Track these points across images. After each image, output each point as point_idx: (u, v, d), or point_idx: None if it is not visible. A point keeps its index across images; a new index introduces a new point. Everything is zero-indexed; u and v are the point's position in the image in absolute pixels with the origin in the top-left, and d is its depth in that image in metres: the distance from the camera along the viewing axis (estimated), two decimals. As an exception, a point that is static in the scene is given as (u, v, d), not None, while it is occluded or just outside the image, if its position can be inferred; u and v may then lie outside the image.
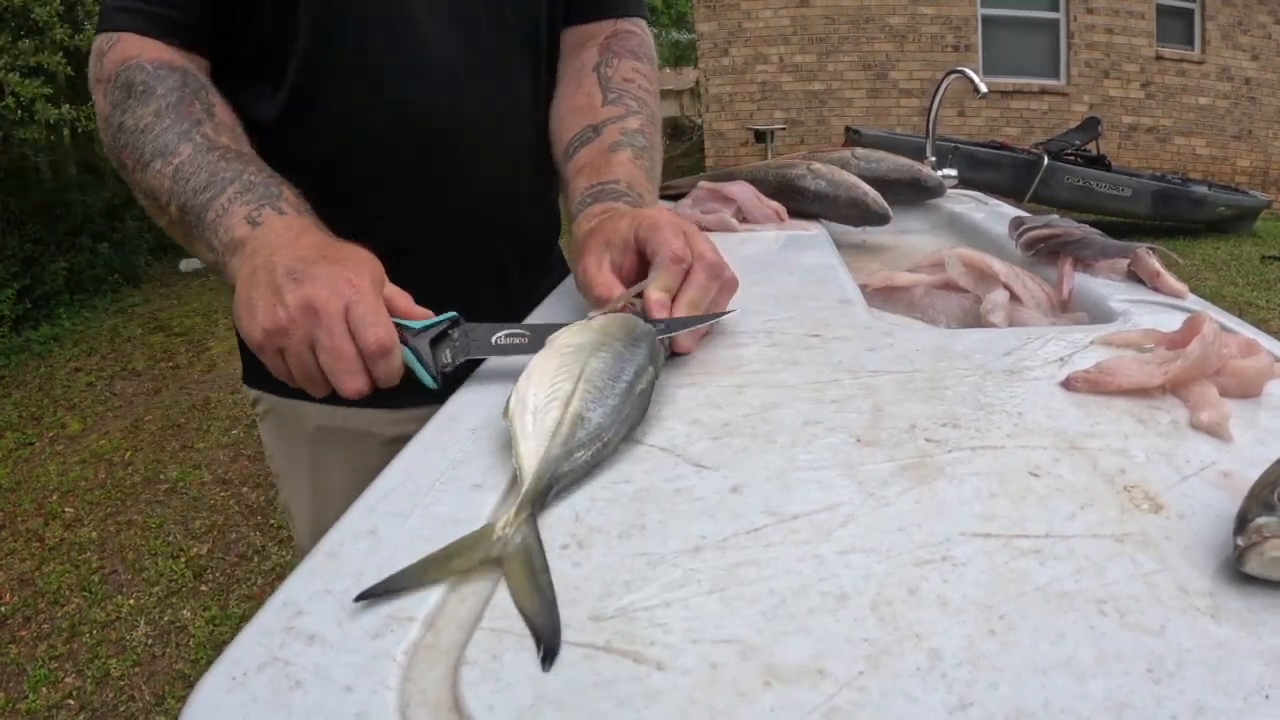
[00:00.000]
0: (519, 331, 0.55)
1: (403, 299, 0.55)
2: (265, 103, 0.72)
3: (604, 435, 0.43)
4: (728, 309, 0.61)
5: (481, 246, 0.81)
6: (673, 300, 0.57)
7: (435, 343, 0.54)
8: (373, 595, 0.33)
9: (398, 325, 0.52)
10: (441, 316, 0.55)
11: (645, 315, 0.55)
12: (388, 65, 0.71)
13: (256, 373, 0.83)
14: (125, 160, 0.63)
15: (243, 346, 0.83)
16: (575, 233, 0.69)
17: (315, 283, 0.51)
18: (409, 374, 0.53)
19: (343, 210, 0.69)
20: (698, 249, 0.59)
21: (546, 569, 0.34)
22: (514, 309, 0.84)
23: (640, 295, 0.57)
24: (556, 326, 0.51)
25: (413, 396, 0.79)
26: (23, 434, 3.31)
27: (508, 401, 0.45)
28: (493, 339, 0.55)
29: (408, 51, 0.71)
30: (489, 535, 0.36)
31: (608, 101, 0.77)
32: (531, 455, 0.41)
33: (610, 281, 0.58)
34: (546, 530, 0.37)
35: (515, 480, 0.40)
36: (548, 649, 0.29)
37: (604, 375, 0.46)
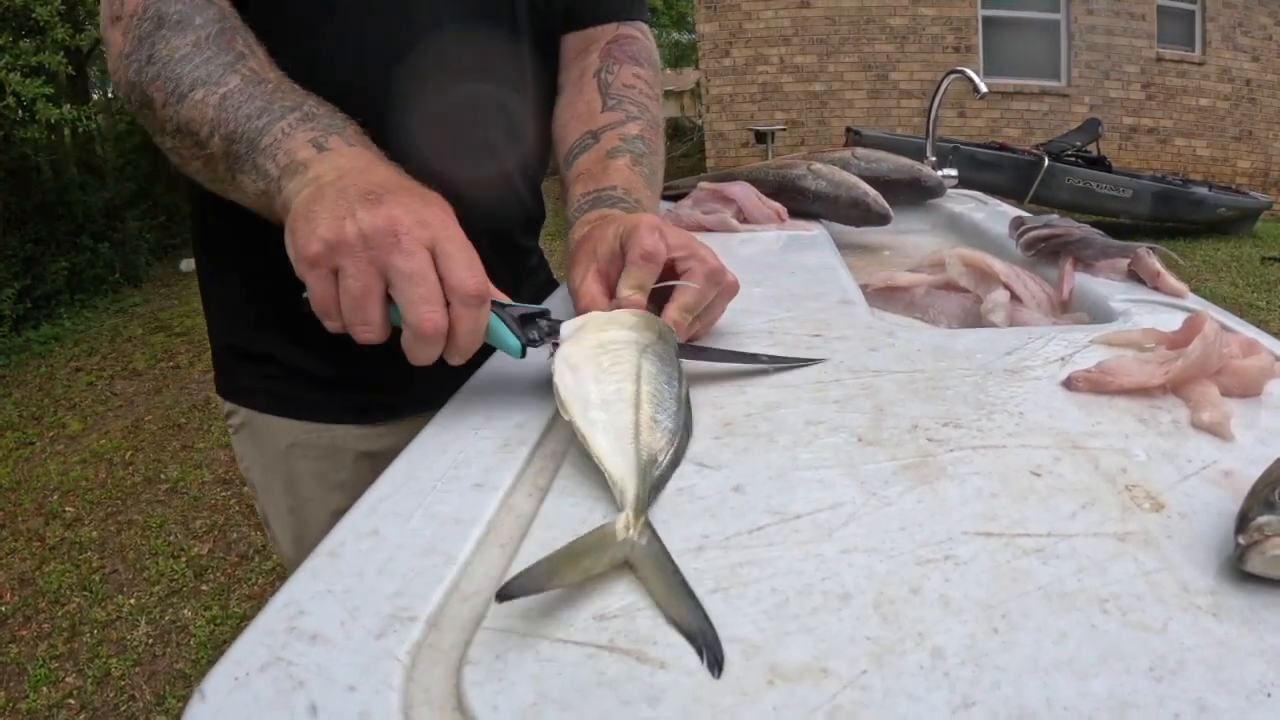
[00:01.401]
0: None
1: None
2: None
3: (674, 440, 0.42)
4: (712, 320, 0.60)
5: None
6: (657, 302, 0.56)
7: (523, 323, 0.50)
8: (511, 596, 0.31)
9: None
10: (531, 306, 0.52)
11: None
12: (358, 40, 0.68)
13: (231, 384, 0.81)
14: (153, 95, 0.57)
15: (216, 355, 0.81)
16: (570, 240, 0.68)
17: (397, 205, 0.46)
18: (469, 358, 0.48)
19: None
20: (697, 253, 0.57)
21: (680, 571, 0.33)
22: None
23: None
24: None
25: (382, 411, 0.77)
26: (23, 434, 3.31)
27: (560, 398, 0.44)
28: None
29: (373, 26, 0.68)
30: (614, 537, 0.35)
31: (607, 108, 0.77)
32: (625, 455, 0.39)
33: (596, 292, 0.57)
34: (548, 529, 0.37)
35: (606, 481, 0.39)
36: (712, 655, 0.28)
37: (658, 378, 0.45)
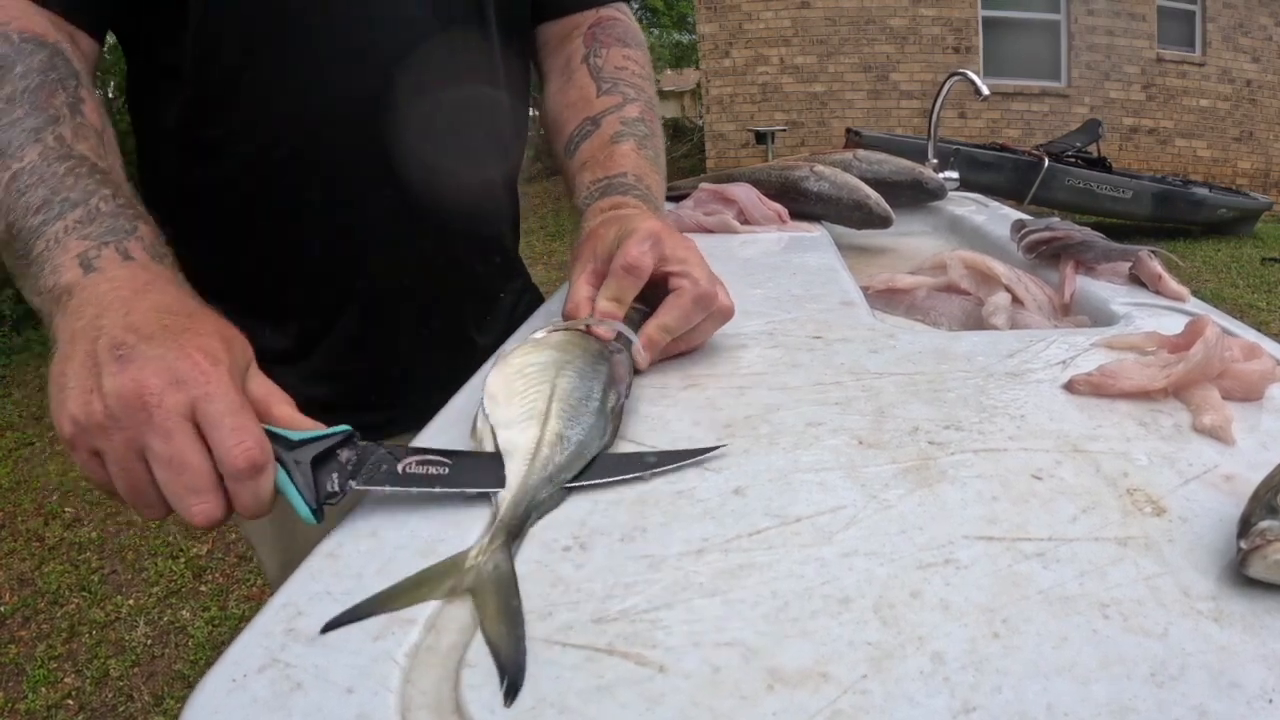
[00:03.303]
0: (437, 459, 0.41)
1: (278, 398, 0.43)
2: (179, 90, 0.64)
3: (586, 454, 0.42)
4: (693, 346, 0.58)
5: (435, 244, 0.75)
6: (639, 317, 0.55)
7: (319, 463, 0.40)
8: (338, 625, 0.32)
9: (268, 434, 0.40)
10: (330, 430, 0.41)
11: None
12: (323, 49, 0.65)
13: None
14: None
15: None
16: (581, 229, 0.66)
17: (147, 365, 0.38)
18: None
19: (272, 212, 0.65)
20: (691, 272, 0.55)
21: (518, 599, 0.33)
22: (479, 319, 0.82)
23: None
24: (479, 456, 0.42)
25: (371, 431, 0.75)
26: (23, 434, 3.31)
27: (474, 423, 0.44)
28: (400, 466, 0.40)
29: (342, 35, 0.66)
30: (460, 564, 0.35)
31: (602, 92, 0.75)
32: (511, 479, 0.39)
33: (584, 296, 0.56)
34: (549, 532, 0.37)
35: (493, 504, 0.39)
36: (511, 683, 0.28)
37: (576, 394, 0.45)
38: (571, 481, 0.41)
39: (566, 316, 0.55)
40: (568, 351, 0.49)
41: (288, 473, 0.39)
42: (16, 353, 4.27)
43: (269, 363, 0.73)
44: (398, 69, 0.67)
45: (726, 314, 0.57)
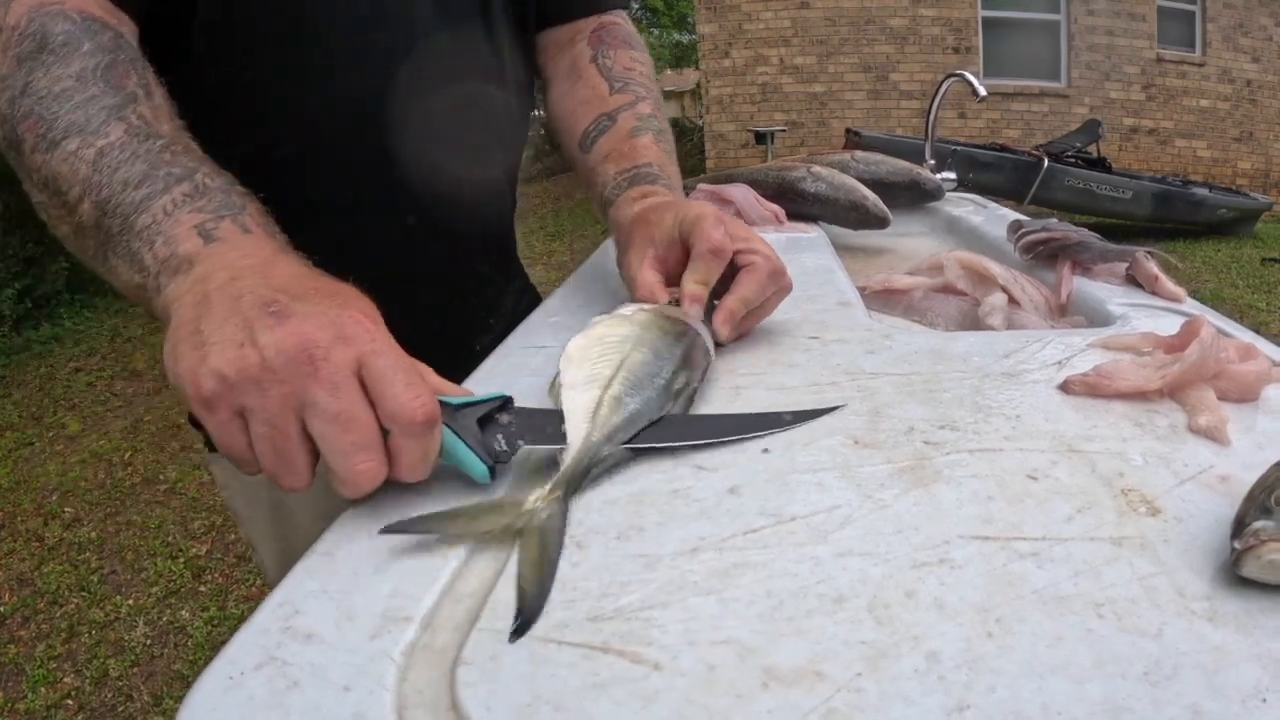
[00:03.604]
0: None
1: (424, 366, 0.41)
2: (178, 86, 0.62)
3: (638, 422, 0.43)
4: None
5: (440, 243, 0.76)
6: (719, 294, 0.57)
7: (482, 424, 0.40)
8: (397, 531, 0.34)
9: None
10: (488, 395, 0.42)
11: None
12: (328, 47, 0.65)
13: None
14: (24, 134, 0.48)
15: None
16: (616, 218, 0.67)
17: (308, 319, 0.36)
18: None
19: (275, 212, 0.66)
20: (760, 249, 0.58)
21: (558, 552, 0.35)
22: (481, 318, 0.82)
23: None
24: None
25: None
26: (23, 434, 3.31)
27: (554, 380, 0.47)
28: (564, 428, 0.42)
29: (347, 33, 0.66)
30: (519, 505, 0.37)
31: (615, 90, 0.76)
32: (574, 436, 0.41)
33: (653, 281, 0.58)
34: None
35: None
36: (523, 623, 0.30)
37: (644, 368, 0.47)
38: (633, 442, 0.42)
39: (638, 303, 0.57)
40: (648, 330, 0.51)
41: (458, 435, 0.39)
42: (16, 353, 4.27)
43: None
44: (403, 67, 0.68)
45: (789, 289, 0.61)
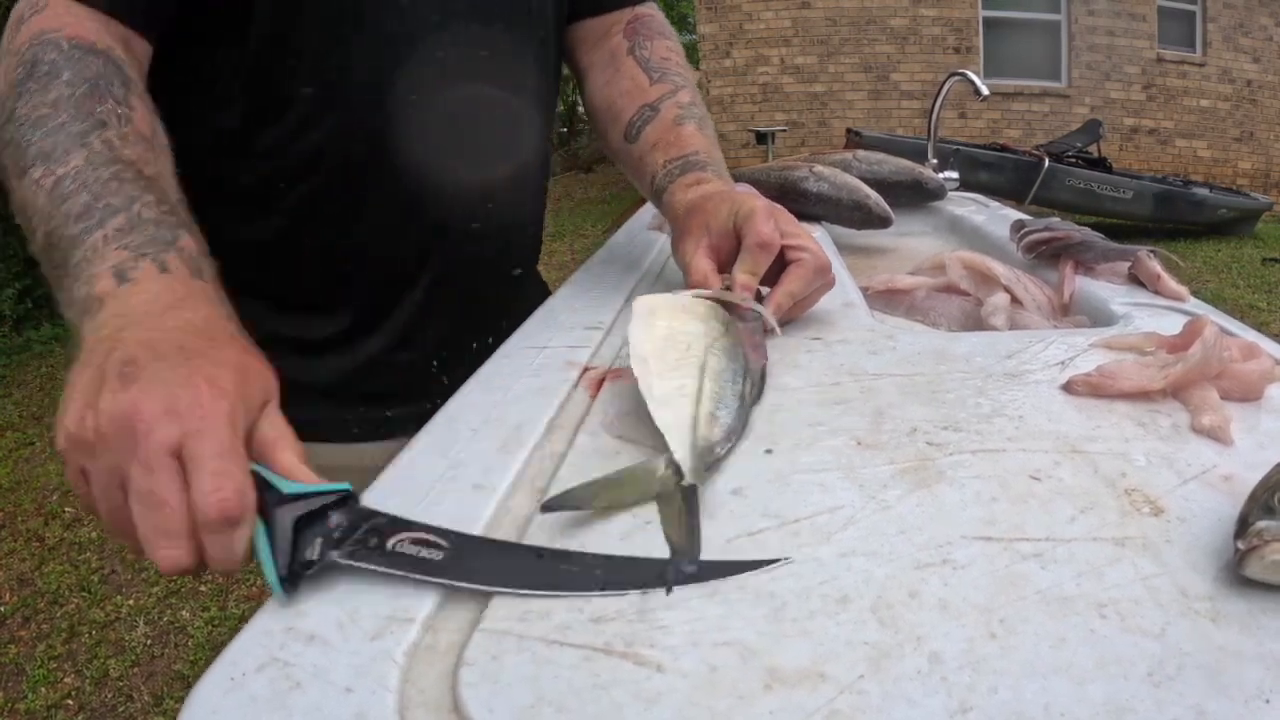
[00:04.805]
0: (433, 540, 0.36)
1: (286, 443, 0.39)
2: (231, 100, 0.64)
3: (731, 439, 0.44)
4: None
5: (489, 232, 0.77)
6: (768, 283, 0.60)
7: (305, 524, 0.36)
8: (554, 508, 0.37)
9: (259, 481, 0.36)
10: (327, 486, 0.38)
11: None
12: (389, 43, 0.66)
13: None
14: (5, 160, 0.49)
15: None
16: (670, 204, 0.70)
17: (147, 389, 0.35)
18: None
19: (335, 207, 0.67)
20: (809, 246, 0.61)
21: (698, 509, 0.38)
22: (509, 307, 0.83)
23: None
24: (483, 542, 0.37)
25: (382, 429, 0.74)
26: (23, 434, 3.31)
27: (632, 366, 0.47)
28: (391, 543, 0.36)
29: (407, 32, 0.67)
30: (653, 474, 0.40)
31: (654, 81, 0.78)
32: (677, 451, 0.41)
33: (707, 268, 0.61)
34: (546, 532, 0.37)
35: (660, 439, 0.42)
36: (678, 570, 0.34)
37: (724, 375, 0.48)
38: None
39: (692, 289, 0.59)
40: (711, 325, 0.52)
41: (269, 529, 0.35)
42: (16, 353, 4.27)
43: (321, 352, 0.73)
44: (454, 61, 0.69)
45: (833, 284, 0.64)
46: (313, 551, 0.35)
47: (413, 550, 0.35)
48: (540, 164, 0.83)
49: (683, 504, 0.38)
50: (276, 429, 0.40)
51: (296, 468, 0.39)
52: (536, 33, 0.76)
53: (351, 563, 0.35)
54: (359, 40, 0.65)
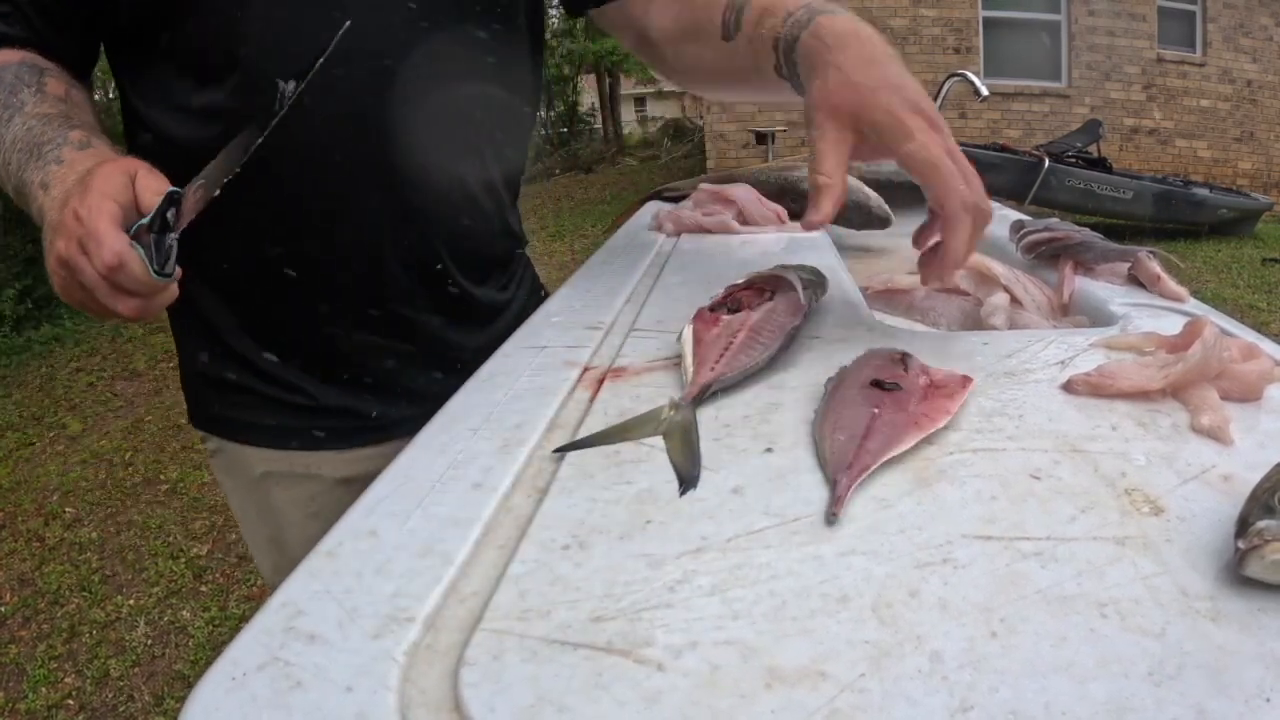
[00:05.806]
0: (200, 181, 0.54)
1: (145, 186, 0.54)
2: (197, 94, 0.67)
3: (746, 363, 0.52)
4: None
5: (456, 242, 0.76)
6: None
7: (163, 229, 0.53)
8: (569, 450, 0.44)
9: (140, 229, 0.52)
10: (161, 199, 0.53)
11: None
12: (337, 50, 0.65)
13: (201, 412, 0.80)
14: None
15: (186, 382, 0.81)
16: (809, 45, 0.63)
17: (59, 233, 0.53)
18: None
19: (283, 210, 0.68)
20: (980, 192, 0.58)
21: (696, 437, 0.45)
22: (491, 317, 0.83)
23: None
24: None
25: (364, 435, 0.77)
26: (24, 434, 3.31)
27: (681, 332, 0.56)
28: (186, 203, 0.54)
29: (359, 34, 0.64)
30: (658, 415, 0.47)
31: None
32: (691, 366, 0.52)
33: (839, 186, 0.60)
34: (546, 530, 0.37)
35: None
36: (685, 482, 0.40)
37: (763, 327, 0.56)
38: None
39: (816, 187, 0.59)
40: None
41: (145, 251, 0.52)
42: (17, 353, 4.27)
43: (297, 369, 0.78)
44: (404, 65, 0.68)
45: (990, 218, 0.61)
46: (170, 241, 0.53)
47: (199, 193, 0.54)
48: (517, 169, 0.81)
49: (682, 432, 0.45)
50: (141, 183, 0.54)
51: (149, 200, 0.53)
52: (515, 33, 0.75)
53: (174, 235, 0.53)
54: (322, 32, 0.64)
